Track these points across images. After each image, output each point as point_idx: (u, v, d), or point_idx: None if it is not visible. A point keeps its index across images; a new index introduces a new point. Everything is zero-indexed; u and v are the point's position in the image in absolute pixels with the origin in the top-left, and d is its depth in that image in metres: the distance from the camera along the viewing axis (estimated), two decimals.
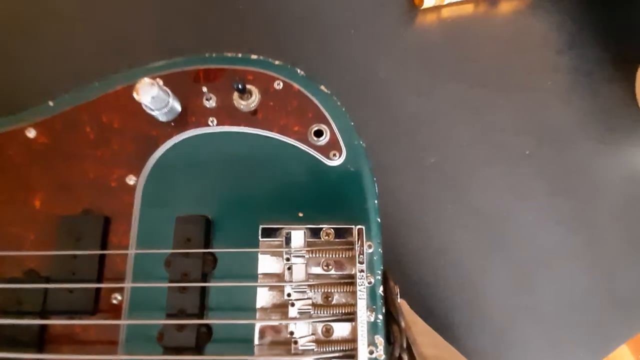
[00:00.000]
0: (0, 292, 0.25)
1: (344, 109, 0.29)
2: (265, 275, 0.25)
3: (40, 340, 0.24)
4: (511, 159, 0.36)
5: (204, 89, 0.27)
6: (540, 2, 0.41)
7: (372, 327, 0.25)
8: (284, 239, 0.25)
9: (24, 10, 0.39)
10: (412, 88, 0.38)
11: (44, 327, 0.25)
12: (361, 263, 0.24)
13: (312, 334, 0.24)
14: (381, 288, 0.26)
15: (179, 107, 0.28)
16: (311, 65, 0.31)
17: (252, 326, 0.24)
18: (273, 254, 0.25)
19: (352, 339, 0.24)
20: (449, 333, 0.30)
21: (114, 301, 0.25)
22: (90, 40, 0.38)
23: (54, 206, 0.27)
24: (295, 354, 0.23)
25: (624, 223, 0.34)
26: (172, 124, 0.28)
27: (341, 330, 0.24)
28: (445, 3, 0.40)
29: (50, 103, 0.29)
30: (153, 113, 0.27)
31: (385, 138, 0.37)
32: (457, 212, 0.35)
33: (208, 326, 0.25)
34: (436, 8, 0.40)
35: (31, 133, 0.28)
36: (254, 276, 0.25)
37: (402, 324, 0.26)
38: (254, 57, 0.30)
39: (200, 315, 0.24)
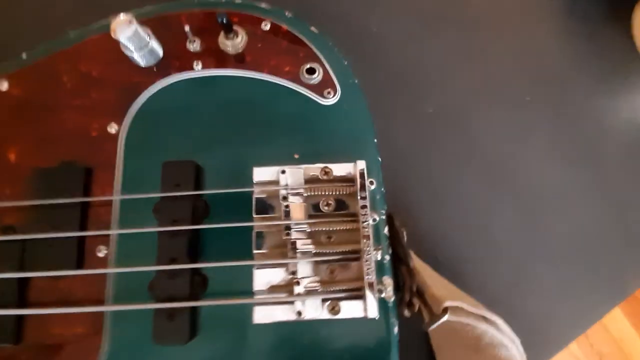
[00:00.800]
0: None
1: (336, 48, 0.28)
2: (263, 218, 0.23)
3: (21, 300, 0.22)
4: (511, 105, 0.35)
5: (187, 29, 0.26)
6: None
7: (379, 267, 0.23)
8: (279, 177, 0.23)
9: None
10: (404, 39, 0.37)
11: (24, 285, 0.23)
12: (363, 198, 0.23)
13: (316, 276, 0.22)
14: (386, 229, 0.24)
15: (160, 51, 0.26)
16: (300, 16, 0.29)
17: (250, 274, 0.22)
18: (268, 195, 0.24)
19: (359, 278, 0.22)
20: (459, 282, 0.29)
21: (100, 254, 0.23)
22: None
23: (30, 159, 0.25)
24: (299, 295, 0.21)
25: (631, 160, 0.33)
26: (155, 69, 0.26)
27: (346, 270, 0.23)
28: None
29: (24, 55, 0.27)
30: (132, 56, 0.25)
31: (380, 91, 0.36)
32: (460, 159, 0.33)
33: (203, 275, 0.23)
34: None
35: (3, 86, 0.26)
36: (249, 221, 0.23)
37: (411, 265, 0.24)
38: (238, 0, 0.28)
39: (193, 262, 0.23)
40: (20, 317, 0.22)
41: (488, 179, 0.32)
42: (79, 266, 0.23)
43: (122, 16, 0.24)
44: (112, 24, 0.24)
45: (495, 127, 0.34)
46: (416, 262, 0.26)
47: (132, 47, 0.25)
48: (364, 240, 0.22)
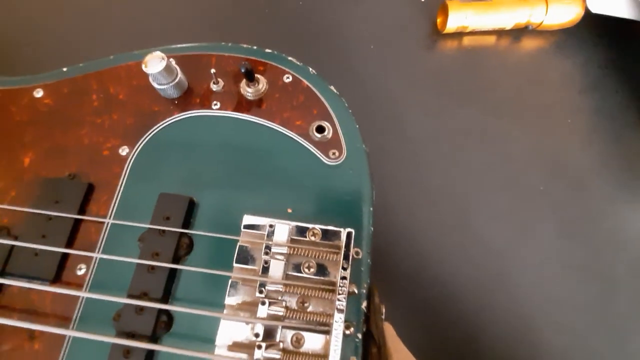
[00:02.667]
0: None
1: (350, 112, 0.28)
2: (241, 269, 0.23)
3: None
4: (522, 192, 0.34)
5: (212, 71, 0.27)
6: (565, 42, 0.41)
7: (348, 345, 0.22)
8: (266, 230, 0.23)
9: None
10: (424, 108, 0.37)
11: None
12: (345, 269, 0.22)
13: (280, 342, 0.21)
14: (365, 303, 0.23)
15: (185, 86, 0.28)
16: (325, 73, 0.30)
17: (216, 324, 0.22)
18: (253, 246, 0.23)
19: (324, 355, 0.21)
20: None
21: (79, 272, 0.23)
22: (117, 26, 0.40)
23: (42, 167, 0.26)
24: None
25: None
26: (176, 102, 0.28)
27: (313, 342, 0.22)
28: (467, 31, 0.40)
29: (64, 69, 0.29)
30: (158, 87, 0.27)
31: (389, 154, 0.36)
32: (458, 239, 0.32)
33: (169, 315, 0.22)
34: (458, 35, 0.40)
35: (39, 93, 0.28)
36: (229, 267, 0.23)
37: (383, 348, 0.23)
38: (267, 50, 0.30)
39: (164, 302, 0.22)
40: None
41: (484, 268, 0.31)
42: (57, 279, 0.23)
43: (156, 53, 0.26)
44: (145, 58, 0.25)
45: (501, 212, 0.33)
46: (391, 343, 0.24)
47: (159, 80, 0.26)
48: (337, 314, 0.21)
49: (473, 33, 0.40)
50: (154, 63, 0.25)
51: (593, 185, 0.34)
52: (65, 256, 0.24)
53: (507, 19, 0.39)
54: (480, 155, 0.35)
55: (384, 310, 0.24)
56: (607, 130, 0.36)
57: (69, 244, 0.24)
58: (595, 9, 0.38)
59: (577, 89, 0.38)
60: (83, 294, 0.22)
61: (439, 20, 0.41)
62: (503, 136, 0.36)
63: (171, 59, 0.27)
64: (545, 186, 0.34)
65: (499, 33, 0.41)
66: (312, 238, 0.24)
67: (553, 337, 0.28)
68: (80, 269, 0.23)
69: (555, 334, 0.28)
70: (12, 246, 0.23)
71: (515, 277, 0.31)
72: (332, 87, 0.29)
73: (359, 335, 0.22)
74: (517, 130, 0.36)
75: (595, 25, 0.40)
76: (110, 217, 0.24)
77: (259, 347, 0.21)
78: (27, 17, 0.41)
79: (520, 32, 0.41)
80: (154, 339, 0.22)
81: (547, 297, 0.29)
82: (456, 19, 0.38)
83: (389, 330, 0.25)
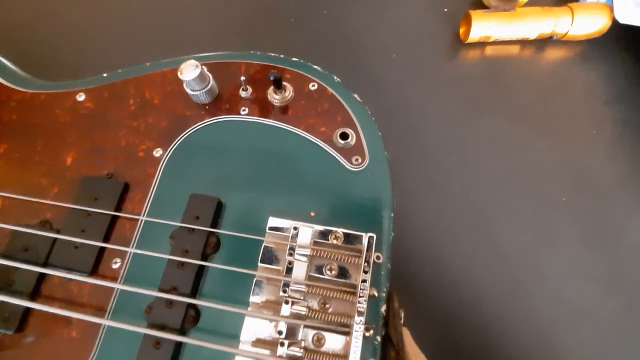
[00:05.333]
0: (11, 235, 0.25)
1: (373, 119, 0.29)
2: (266, 269, 0.24)
3: (35, 290, 0.24)
4: (544, 203, 0.34)
5: (242, 79, 0.28)
6: (591, 52, 0.40)
7: (368, 347, 0.22)
8: (291, 232, 0.24)
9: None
10: (446, 117, 0.38)
11: (42, 278, 0.25)
12: (366, 272, 0.23)
13: (302, 340, 0.22)
14: (384, 307, 0.24)
15: (216, 92, 0.29)
16: (348, 81, 0.31)
17: (240, 320, 0.23)
18: (277, 247, 0.24)
19: (344, 355, 0.22)
20: None
21: (114, 265, 0.25)
22: (152, 35, 0.42)
23: (82, 166, 0.28)
24: (280, 357, 0.21)
25: None
26: (207, 107, 0.29)
27: (333, 342, 0.22)
28: (490, 41, 0.40)
29: (104, 74, 0.31)
30: (191, 93, 0.28)
31: (410, 161, 0.36)
32: (478, 248, 0.32)
33: (197, 310, 0.24)
34: (481, 45, 0.41)
35: (81, 97, 0.30)
36: (254, 266, 0.24)
37: (401, 352, 0.23)
38: (294, 59, 0.31)
39: (192, 297, 0.23)
40: (29, 308, 0.24)
41: (503, 278, 0.31)
42: (94, 271, 0.25)
43: (191, 60, 0.27)
44: (181, 65, 0.27)
45: (522, 221, 0.33)
46: (409, 348, 0.25)
47: (193, 87, 0.28)
48: (357, 317, 0.22)
49: (496, 43, 0.40)
50: (189, 70, 0.27)
51: (617, 196, 0.34)
52: (102, 250, 0.25)
53: (532, 29, 0.39)
54: (502, 165, 0.35)
55: (402, 315, 0.24)
56: (632, 141, 0.36)
57: (106, 239, 0.25)
58: (623, 20, 0.37)
59: (602, 100, 0.38)
60: (119, 286, 0.24)
61: (461, 30, 0.41)
62: (526, 146, 0.36)
63: (203, 67, 0.28)
64: (568, 197, 0.34)
65: (523, 43, 0.41)
66: (334, 241, 0.24)
67: (574, 350, 0.28)
68: (115, 262, 0.25)
69: (576, 347, 0.28)
70: (55, 239, 0.25)
71: (535, 287, 0.30)
72: (355, 95, 0.30)
73: (378, 338, 0.23)
74: (540, 140, 0.36)
75: (622, 36, 0.40)
76: (143, 214, 0.26)
77: (282, 344, 0.21)
78: (70, 25, 0.43)
79: (544, 42, 0.41)
80: (182, 332, 0.23)
81: (568, 308, 0.29)
82: (479, 29, 0.39)
83: (407, 336, 0.25)
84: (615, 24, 0.38)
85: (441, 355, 0.29)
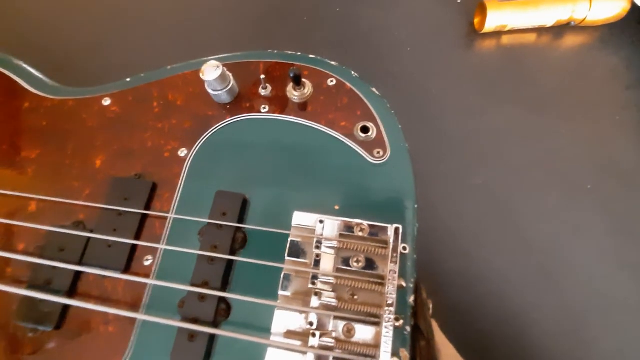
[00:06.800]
0: (48, 236, 0.26)
1: (392, 112, 0.29)
2: (293, 262, 0.25)
3: (72, 288, 0.25)
4: (569, 190, 0.33)
5: (262, 77, 0.29)
6: (610, 37, 0.39)
7: (398, 337, 0.23)
8: (316, 225, 0.24)
9: (122, 5, 0.46)
10: (464, 107, 0.37)
11: (78, 276, 0.26)
12: (394, 263, 0.23)
13: (333, 331, 0.22)
14: (412, 298, 0.24)
15: (236, 92, 0.30)
16: (365, 76, 0.32)
17: (271, 312, 0.23)
18: (303, 240, 0.25)
19: (375, 345, 0.22)
20: None
21: (146, 262, 0.26)
22: (169, 39, 0.43)
23: (111, 167, 0.29)
24: (312, 347, 0.21)
25: None
26: (228, 107, 0.30)
27: (363, 333, 0.23)
28: (506, 30, 0.40)
29: (128, 79, 0.32)
30: (213, 93, 0.29)
31: (431, 153, 0.36)
32: (502, 238, 0.32)
33: (228, 304, 0.24)
34: (497, 34, 0.40)
35: (106, 102, 0.31)
36: (281, 261, 0.25)
37: (432, 342, 0.23)
38: (311, 56, 0.31)
39: (223, 291, 0.24)
40: (67, 305, 0.25)
41: (530, 268, 0.30)
42: (127, 268, 0.26)
43: (212, 62, 0.28)
44: (202, 67, 0.28)
45: (547, 211, 0.33)
46: (438, 338, 0.25)
47: (214, 87, 0.28)
48: (387, 307, 0.22)
49: (512, 32, 0.40)
50: (211, 71, 0.27)
51: None
52: (134, 248, 0.26)
53: (548, 16, 0.38)
54: (523, 154, 0.35)
55: (431, 306, 0.25)
56: None
57: (137, 237, 0.26)
58: None
59: (624, 85, 0.37)
60: (152, 282, 0.24)
61: (476, 20, 0.41)
62: (547, 134, 0.36)
63: (224, 67, 0.29)
64: (593, 184, 0.33)
65: (540, 31, 0.40)
66: (360, 233, 0.25)
67: (606, 337, 0.27)
68: (147, 259, 0.26)
69: (609, 334, 0.27)
70: (88, 239, 0.26)
71: (563, 276, 0.30)
72: (373, 89, 0.30)
73: (408, 328, 0.23)
74: (563, 128, 0.36)
75: None
76: (172, 212, 0.27)
77: (314, 335, 0.22)
78: (90, 34, 0.45)
79: (561, 29, 0.40)
80: (214, 325, 0.23)
81: (599, 296, 0.29)
82: (495, 18, 0.38)
83: (435, 328, 0.25)
84: (634, 8, 0.37)
85: (470, 345, 0.28)
